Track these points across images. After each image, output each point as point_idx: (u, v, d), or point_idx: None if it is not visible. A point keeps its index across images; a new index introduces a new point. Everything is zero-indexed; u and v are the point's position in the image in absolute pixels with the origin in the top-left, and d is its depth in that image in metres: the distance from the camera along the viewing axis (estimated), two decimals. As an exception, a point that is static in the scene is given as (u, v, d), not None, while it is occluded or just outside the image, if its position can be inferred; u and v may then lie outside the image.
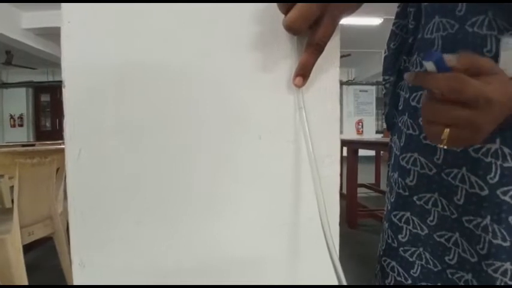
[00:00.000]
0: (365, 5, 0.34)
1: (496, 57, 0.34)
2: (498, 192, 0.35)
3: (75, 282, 0.34)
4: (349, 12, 0.32)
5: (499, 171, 0.34)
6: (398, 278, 0.44)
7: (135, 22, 0.33)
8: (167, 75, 0.34)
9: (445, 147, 0.30)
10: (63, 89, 0.33)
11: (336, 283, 0.33)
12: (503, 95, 0.28)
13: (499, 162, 0.34)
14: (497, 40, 0.34)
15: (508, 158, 0.34)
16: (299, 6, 0.29)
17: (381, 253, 0.47)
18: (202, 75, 0.34)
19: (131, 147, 0.34)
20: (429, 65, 0.28)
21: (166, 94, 0.34)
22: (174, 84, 0.34)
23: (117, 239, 0.34)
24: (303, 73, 0.32)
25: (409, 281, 0.43)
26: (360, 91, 8.84)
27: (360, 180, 2.88)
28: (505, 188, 0.34)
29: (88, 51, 0.33)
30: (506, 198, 0.34)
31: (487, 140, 0.35)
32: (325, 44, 0.31)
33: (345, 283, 0.28)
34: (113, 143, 0.34)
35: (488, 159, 0.35)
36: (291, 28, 0.30)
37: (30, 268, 1.36)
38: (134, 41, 0.34)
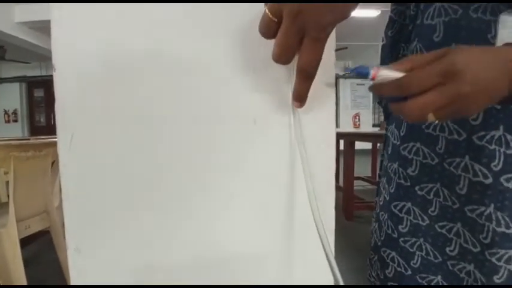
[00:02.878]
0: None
1: (500, 43, 0.33)
2: (502, 179, 0.34)
3: (71, 268, 0.34)
4: (329, 29, 0.28)
5: (502, 158, 0.34)
6: (399, 269, 0.43)
7: (126, 8, 0.33)
8: (159, 60, 0.33)
9: (437, 121, 0.30)
10: (54, 73, 0.32)
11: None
12: (476, 62, 0.28)
13: (502, 149, 0.34)
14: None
15: (511, 144, 0.34)
16: (278, 40, 0.28)
17: (379, 243, 0.47)
18: (195, 59, 0.34)
19: (124, 132, 0.34)
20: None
21: (159, 79, 0.34)
22: (166, 69, 0.34)
23: (111, 224, 0.34)
24: (299, 99, 0.31)
25: (409, 272, 0.42)
26: (357, 84, 8.83)
27: (356, 173, 2.89)
28: (509, 175, 0.34)
29: (78, 36, 0.33)
30: (510, 185, 0.34)
31: (490, 126, 0.35)
32: (312, 68, 0.29)
33: (340, 280, 0.28)
34: (106, 128, 0.33)
35: (492, 147, 0.35)
36: (278, 62, 0.29)
37: (27, 262, 1.36)
38: (125, 27, 0.33)
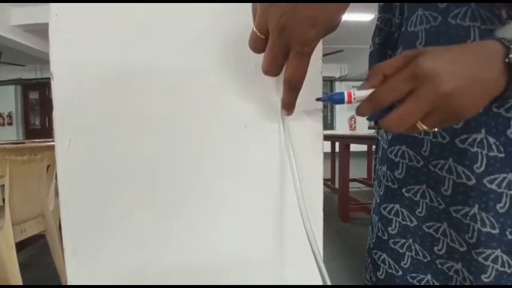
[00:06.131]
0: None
1: None
2: (485, 181, 0.35)
3: (68, 270, 0.35)
4: (313, 43, 0.28)
5: (485, 161, 0.35)
6: (389, 270, 0.44)
7: (123, 16, 0.34)
8: (154, 68, 0.35)
9: (435, 129, 0.28)
10: (52, 82, 0.33)
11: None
12: (449, 58, 0.27)
13: (484, 152, 0.35)
14: (481, 31, 0.34)
15: (493, 147, 0.35)
16: (266, 54, 0.29)
17: (371, 246, 0.48)
18: (187, 66, 0.35)
19: (120, 137, 0.35)
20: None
21: (154, 86, 0.35)
22: (161, 77, 0.35)
23: (108, 227, 0.35)
24: (287, 108, 0.33)
25: (400, 273, 0.43)
26: (353, 87, 8.86)
27: (352, 175, 2.91)
28: (492, 177, 0.35)
29: (76, 44, 0.34)
30: (493, 186, 0.35)
31: (472, 129, 0.35)
32: (297, 80, 0.30)
33: (328, 280, 0.29)
34: (103, 133, 0.35)
35: (475, 149, 0.35)
36: (267, 74, 0.31)
37: (23, 266, 1.35)
38: (121, 35, 0.34)
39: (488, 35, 0.32)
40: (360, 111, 0.30)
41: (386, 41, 0.48)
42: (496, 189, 0.35)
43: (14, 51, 5.53)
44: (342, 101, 0.30)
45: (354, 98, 0.30)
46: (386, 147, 0.45)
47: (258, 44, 0.30)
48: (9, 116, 8.01)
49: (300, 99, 0.34)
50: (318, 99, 0.33)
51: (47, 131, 7.84)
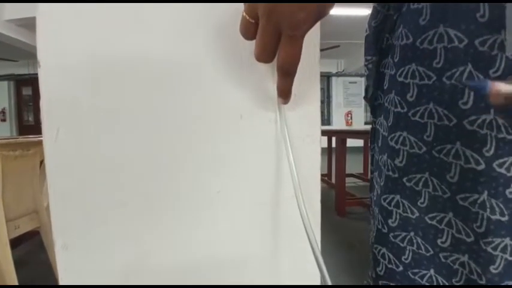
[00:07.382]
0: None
1: (489, 22, 0.32)
2: (494, 165, 0.33)
3: (59, 265, 0.34)
4: (304, 27, 0.28)
5: (494, 143, 0.33)
6: (390, 266, 0.42)
7: (113, 5, 0.33)
8: (145, 57, 0.34)
9: None
10: (39, 69, 0.32)
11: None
12: None
13: (493, 134, 0.33)
14: (490, 5, 0.32)
15: (502, 128, 0.33)
16: (257, 40, 0.29)
17: (372, 240, 0.45)
18: (181, 56, 0.34)
19: (110, 127, 0.34)
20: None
21: (145, 75, 0.34)
22: (152, 66, 0.34)
23: (100, 221, 0.34)
24: (283, 95, 0.32)
25: (401, 268, 0.41)
26: (349, 82, 8.91)
27: (348, 170, 2.92)
28: (501, 160, 0.33)
29: (64, 32, 0.33)
30: (502, 170, 0.33)
31: (481, 110, 0.34)
32: (290, 66, 0.30)
33: (326, 274, 0.28)
34: (93, 122, 0.33)
35: (484, 131, 0.33)
36: (260, 61, 0.30)
37: (18, 263, 1.34)
38: (111, 23, 0.33)
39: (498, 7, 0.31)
40: None
41: (383, 24, 0.46)
42: (506, 174, 0.33)
43: (7, 47, 5.45)
44: (484, 91, 0.30)
45: (501, 91, 0.29)
46: (386, 134, 0.43)
47: (248, 30, 0.29)
48: (3, 112, 7.91)
49: (297, 88, 0.33)
50: (468, 84, 0.33)
51: (40, 127, 7.74)
